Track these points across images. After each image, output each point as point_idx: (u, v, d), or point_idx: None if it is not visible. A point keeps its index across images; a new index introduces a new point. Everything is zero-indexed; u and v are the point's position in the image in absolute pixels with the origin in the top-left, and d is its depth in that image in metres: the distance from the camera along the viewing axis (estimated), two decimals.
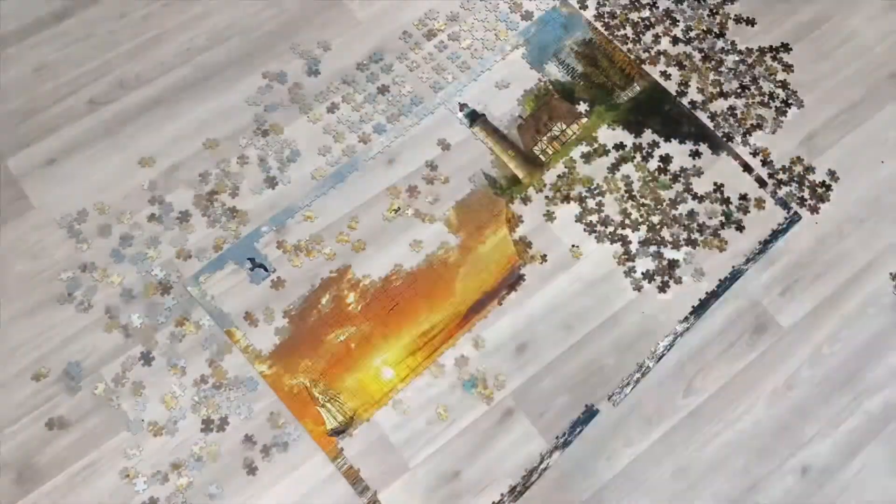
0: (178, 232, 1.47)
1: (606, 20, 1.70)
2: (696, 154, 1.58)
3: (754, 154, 1.59)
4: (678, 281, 1.49)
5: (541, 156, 1.57)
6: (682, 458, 1.37)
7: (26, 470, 1.30)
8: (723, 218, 1.54)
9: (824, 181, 1.58)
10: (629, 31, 1.69)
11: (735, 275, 1.49)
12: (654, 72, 1.65)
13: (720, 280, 1.49)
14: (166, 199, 1.49)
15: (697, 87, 1.64)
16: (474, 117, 1.59)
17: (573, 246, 1.50)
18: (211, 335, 1.40)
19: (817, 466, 1.38)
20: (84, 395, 1.35)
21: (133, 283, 1.43)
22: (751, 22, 1.71)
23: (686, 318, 1.46)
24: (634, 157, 1.58)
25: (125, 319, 1.40)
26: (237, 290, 1.44)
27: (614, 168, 1.57)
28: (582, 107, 1.62)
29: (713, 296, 1.48)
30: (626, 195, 1.54)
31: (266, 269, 1.45)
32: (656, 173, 1.57)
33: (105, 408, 1.34)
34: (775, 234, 1.53)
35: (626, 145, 1.58)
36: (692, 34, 1.70)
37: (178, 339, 1.39)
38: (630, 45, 1.68)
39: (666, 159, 1.58)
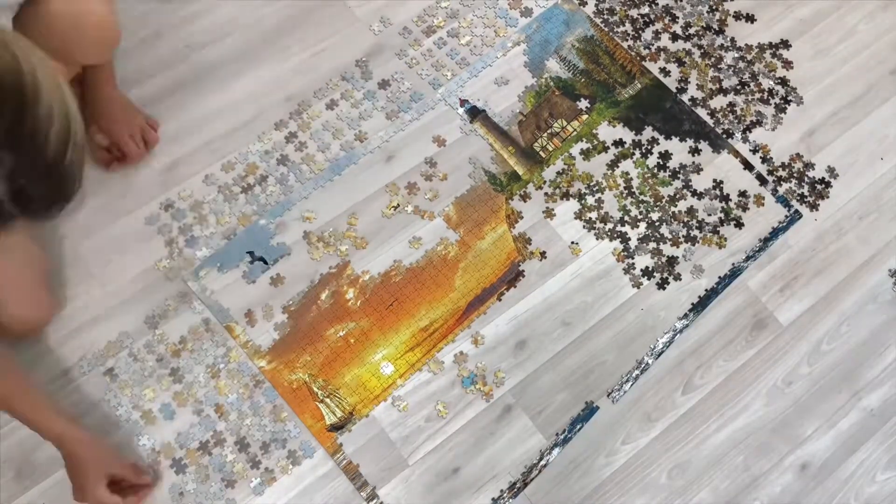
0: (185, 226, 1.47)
1: (606, 16, 1.69)
2: (695, 151, 1.58)
3: (754, 151, 1.59)
4: (677, 278, 1.49)
5: (541, 152, 1.57)
6: (681, 455, 1.38)
7: (26, 466, 1.30)
8: (722, 215, 1.54)
9: (824, 178, 1.58)
10: (629, 27, 1.69)
11: (734, 272, 1.49)
12: (654, 68, 1.65)
13: (719, 277, 1.49)
14: (174, 193, 1.50)
15: (697, 84, 1.64)
16: (475, 113, 1.59)
17: (572, 242, 1.50)
18: (210, 330, 1.40)
19: (816, 463, 1.39)
20: (84, 392, 1.35)
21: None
22: (750, 18, 1.71)
23: (685, 315, 1.46)
24: (634, 154, 1.58)
25: (124, 314, 1.40)
26: (237, 286, 1.43)
27: (614, 165, 1.56)
28: (583, 103, 1.62)
29: (712, 293, 1.48)
30: (626, 192, 1.54)
31: (265, 262, 1.45)
32: (656, 170, 1.56)
33: (103, 404, 1.34)
34: (775, 232, 1.53)
35: (625, 142, 1.58)
36: (692, 31, 1.69)
37: (178, 334, 1.39)
38: (630, 42, 1.67)
39: (665, 156, 1.57)
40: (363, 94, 1.60)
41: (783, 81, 1.66)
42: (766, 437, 1.40)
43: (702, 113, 1.62)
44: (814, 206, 1.55)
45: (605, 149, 1.58)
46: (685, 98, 1.63)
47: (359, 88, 1.60)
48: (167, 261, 1.44)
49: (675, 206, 1.54)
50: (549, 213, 1.52)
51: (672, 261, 1.50)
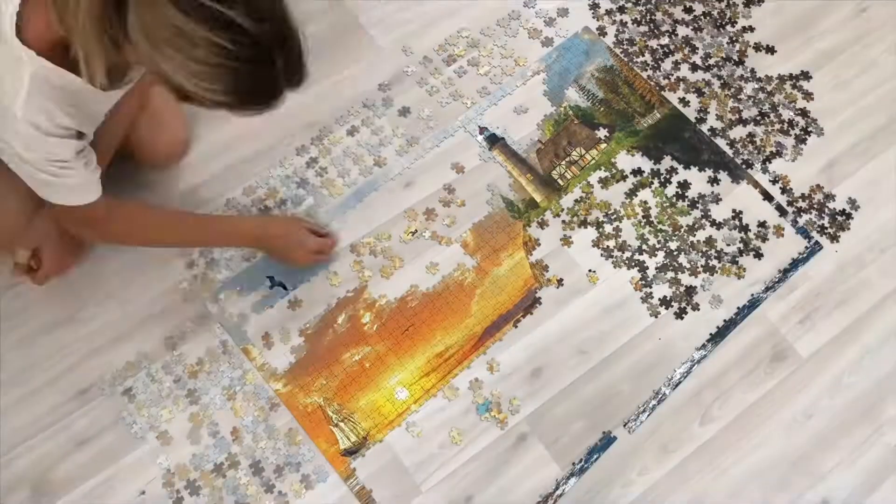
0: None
1: (625, 47, 1.71)
2: (714, 181, 1.58)
3: (774, 181, 1.59)
4: (696, 307, 1.48)
5: (559, 180, 1.57)
6: (698, 488, 1.36)
7: (41, 485, 1.31)
8: (741, 245, 1.53)
9: (844, 209, 1.57)
10: (648, 57, 1.70)
11: (753, 302, 1.48)
12: (673, 98, 1.66)
13: (738, 307, 1.48)
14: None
15: (716, 114, 1.64)
16: (494, 140, 1.60)
17: (590, 270, 1.50)
18: (227, 352, 1.41)
19: (837, 499, 1.36)
20: (101, 412, 1.36)
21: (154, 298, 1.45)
22: (770, 50, 1.71)
23: (703, 346, 1.45)
24: (652, 183, 1.57)
25: (143, 335, 1.41)
26: (255, 308, 1.44)
27: (632, 193, 1.56)
28: (601, 132, 1.62)
29: (731, 323, 1.46)
30: (644, 221, 1.54)
31: (285, 288, 1.46)
32: (674, 199, 1.56)
33: (121, 425, 1.35)
34: (795, 263, 1.51)
35: (643, 171, 1.58)
36: (711, 61, 1.70)
37: (196, 356, 1.40)
38: (649, 72, 1.68)
39: (684, 185, 1.57)
40: (384, 120, 1.61)
41: (803, 112, 1.65)
42: (786, 471, 1.37)
43: (721, 143, 1.62)
44: (834, 238, 1.54)
45: (624, 177, 1.58)
46: (704, 128, 1.63)
47: (380, 115, 1.62)
48: (187, 283, 1.46)
49: (694, 235, 1.54)
50: (566, 241, 1.52)
51: (690, 290, 1.49)
